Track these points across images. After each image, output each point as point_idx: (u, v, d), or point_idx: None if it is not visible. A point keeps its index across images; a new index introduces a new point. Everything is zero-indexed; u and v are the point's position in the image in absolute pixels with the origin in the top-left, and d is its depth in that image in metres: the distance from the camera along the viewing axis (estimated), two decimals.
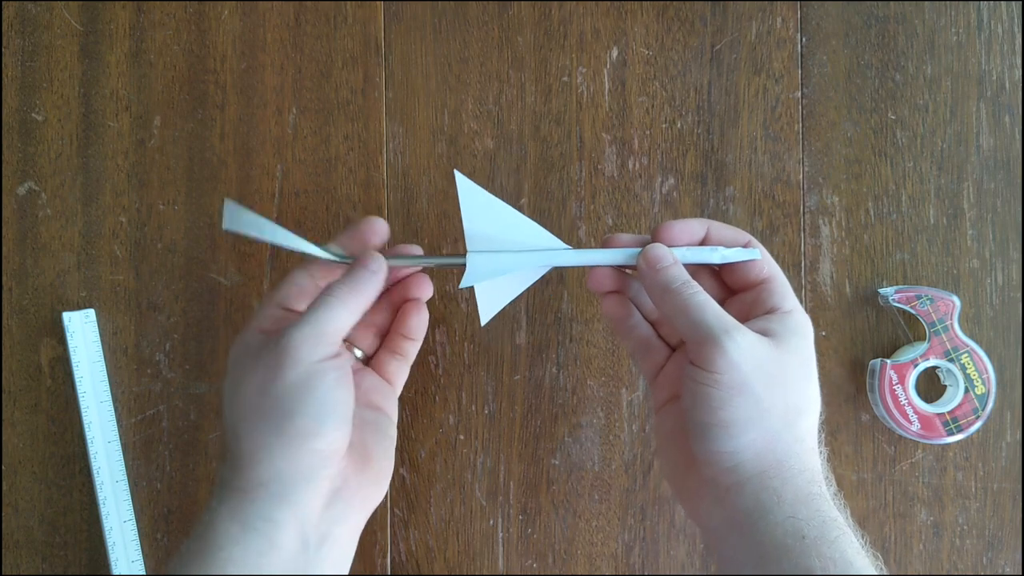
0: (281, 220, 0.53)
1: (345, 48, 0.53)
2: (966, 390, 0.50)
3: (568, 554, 0.52)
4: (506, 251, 0.42)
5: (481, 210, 0.43)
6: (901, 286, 0.51)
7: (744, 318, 0.39)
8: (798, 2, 0.53)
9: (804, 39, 0.53)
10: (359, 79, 0.53)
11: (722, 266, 0.43)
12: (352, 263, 0.41)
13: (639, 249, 0.42)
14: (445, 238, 0.53)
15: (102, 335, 0.52)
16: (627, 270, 0.44)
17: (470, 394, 0.52)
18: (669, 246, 0.41)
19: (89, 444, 0.51)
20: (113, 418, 0.52)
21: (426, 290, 0.45)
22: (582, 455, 0.52)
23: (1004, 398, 0.52)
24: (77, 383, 0.51)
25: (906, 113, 0.52)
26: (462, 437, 0.52)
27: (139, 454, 0.52)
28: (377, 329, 0.46)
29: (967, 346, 0.50)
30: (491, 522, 0.52)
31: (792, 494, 0.36)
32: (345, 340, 0.44)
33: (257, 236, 0.40)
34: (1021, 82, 0.52)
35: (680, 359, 0.42)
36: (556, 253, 0.43)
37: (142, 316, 0.53)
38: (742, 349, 0.36)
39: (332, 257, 0.42)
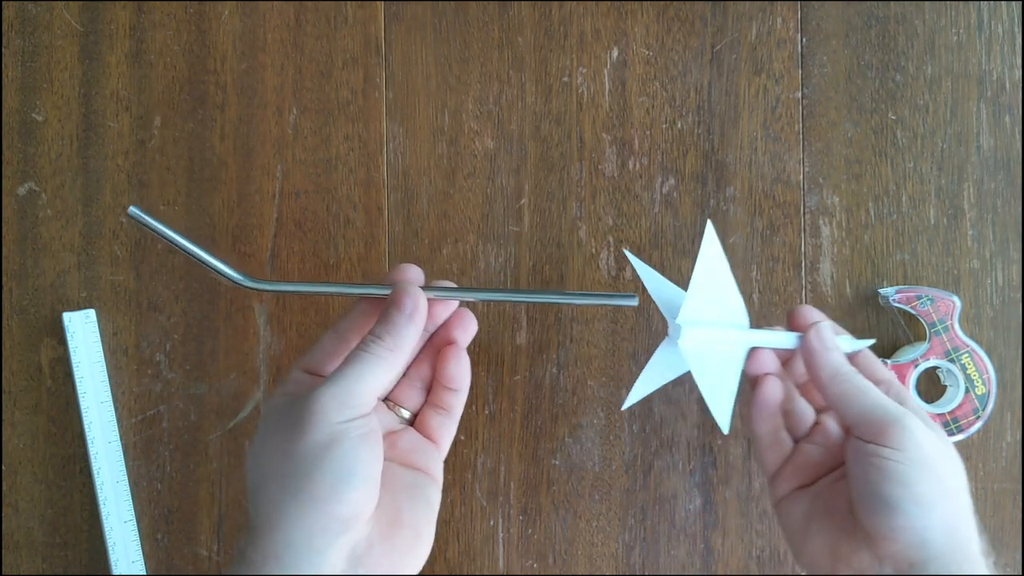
0: (281, 220, 0.53)
1: (345, 48, 0.53)
2: (966, 390, 0.50)
3: (568, 554, 0.52)
4: (717, 324, 0.43)
5: (663, 285, 0.45)
6: (901, 286, 0.51)
7: None
8: (798, 2, 0.53)
9: (804, 39, 0.53)
10: (359, 79, 0.53)
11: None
12: (388, 300, 0.39)
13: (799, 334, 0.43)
14: (445, 239, 0.53)
15: (102, 335, 0.52)
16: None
17: (470, 394, 0.52)
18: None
19: (89, 444, 0.51)
20: (113, 418, 0.52)
21: (469, 329, 0.42)
22: (582, 455, 0.52)
23: (1004, 398, 0.52)
24: (77, 383, 0.51)
25: (906, 113, 0.52)
26: (462, 437, 0.52)
27: (139, 454, 0.52)
28: (423, 383, 0.42)
29: (967, 346, 0.50)
30: (491, 522, 0.52)
31: (971, 566, 0.37)
32: (388, 400, 0.42)
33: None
34: (1021, 82, 0.52)
35: (807, 452, 0.43)
36: (754, 333, 0.43)
37: (142, 316, 0.53)
38: (922, 429, 0.38)
39: (367, 292, 0.40)
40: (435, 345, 0.42)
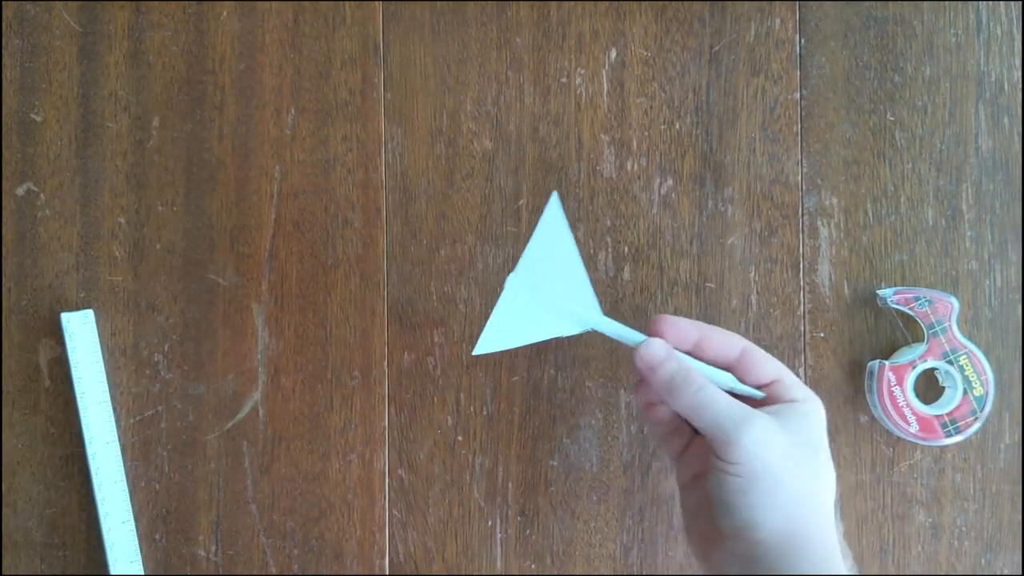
0: (280, 221, 0.53)
1: (343, 49, 0.53)
2: (964, 392, 0.50)
3: (566, 555, 0.52)
4: (543, 301, 0.44)
5: (550, 241, 0.44)
6: (899, 287, 0.51)
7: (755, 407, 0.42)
8: (796, 3, 0.53)
9: (803, 40, 0.53)
10: (357, 80, 0.53)
11: (735, 364, 0.44)
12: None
13: (642, 339, 0.43)
14: (444, 239, 0.53)
15: (101, 336, 0.52)
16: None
17: (468, 395, 0.52)
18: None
19: (87, 445, 0.51)
20: (112, 419, 0.52)
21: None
22: (580, 456, 0.52)
23: (1003, 400, 0.51)
24: (76, 384, 0.51)
25: (905, 114, 0.52)
26: (460, 438, 0.52)
27: (138, 455, 0.52)
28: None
29: (965, 348, 0.50)
30: (489, 523, 0.52)
31: (810, 564, 0.39)
32: None
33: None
34: (1020, 83, 0.52)
35: (702, 441, 0.45)
36: (585, 317, 0.44)
37: (141, 317, 0.53)
38: (756, 440, 0.40)
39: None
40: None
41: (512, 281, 0.44)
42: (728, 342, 0.44)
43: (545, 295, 0.44)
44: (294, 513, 0.52)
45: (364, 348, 0.53)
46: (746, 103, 0.53)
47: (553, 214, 0.44)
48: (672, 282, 0.52)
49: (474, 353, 0.43)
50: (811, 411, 0.42)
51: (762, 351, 0.44)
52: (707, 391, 0.41)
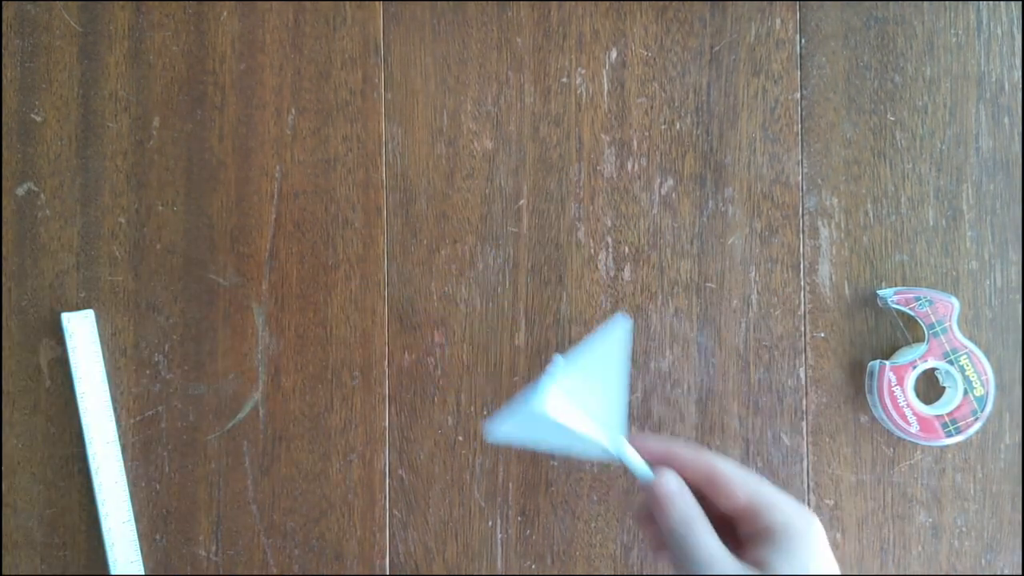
0: (280, 221, 0.53)
1: (344, 49, 0.53)
2: (965, 392, 0.50)
3: (567, 555, 0.52)
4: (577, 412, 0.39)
5: (605, 353, 0.40)
6: (900, 288, 0.51)
7: (747, 533, 0.38)
8: (797, 3, 0.53)
9: (803, 40, 0.53)
10: (358, 80, 0.53)
11: (704, 487, 0.40)
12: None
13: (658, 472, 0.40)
14: (444, 240, 0.53)
15: (101, 336, 0.52)
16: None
17: (469, 395, 0.52)
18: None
19: (88, 445, 0.51)
20: (112, 419, 0.52)
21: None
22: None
23: (1003, 400, 0.51)
24: (76, 384, 0.51)
25: (905, 114, 0.52)
26: (461, 438, 0.52)
27: (138, 455, 0.52)
28: None
29: (966, 348, 0.50)
30: (490, 523, 0.52)
31: None
32: None
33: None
34: (1020, 83, 0.52)
35: None
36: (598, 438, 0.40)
37: (141, 317, 0.53)
38: None
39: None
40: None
41: (554, 371, 0.39)
42: (693, 465, 0.39)
43: (580, 404, 0.39)
44: (294, 513, 0.52)
45: (364, 348, 0.53)
46: (746, 103, 0.53)
47: (616, 334, 0.40)
48: (672, 282, 0.52)
49: (487, 439, 0.40)
50: (797, 538, 0.37)
51: (732, 469, 0.39)
52: (697, 546, 0.37)
